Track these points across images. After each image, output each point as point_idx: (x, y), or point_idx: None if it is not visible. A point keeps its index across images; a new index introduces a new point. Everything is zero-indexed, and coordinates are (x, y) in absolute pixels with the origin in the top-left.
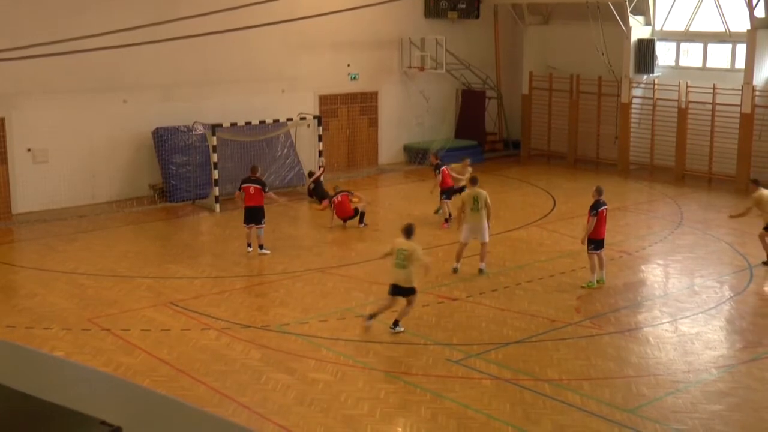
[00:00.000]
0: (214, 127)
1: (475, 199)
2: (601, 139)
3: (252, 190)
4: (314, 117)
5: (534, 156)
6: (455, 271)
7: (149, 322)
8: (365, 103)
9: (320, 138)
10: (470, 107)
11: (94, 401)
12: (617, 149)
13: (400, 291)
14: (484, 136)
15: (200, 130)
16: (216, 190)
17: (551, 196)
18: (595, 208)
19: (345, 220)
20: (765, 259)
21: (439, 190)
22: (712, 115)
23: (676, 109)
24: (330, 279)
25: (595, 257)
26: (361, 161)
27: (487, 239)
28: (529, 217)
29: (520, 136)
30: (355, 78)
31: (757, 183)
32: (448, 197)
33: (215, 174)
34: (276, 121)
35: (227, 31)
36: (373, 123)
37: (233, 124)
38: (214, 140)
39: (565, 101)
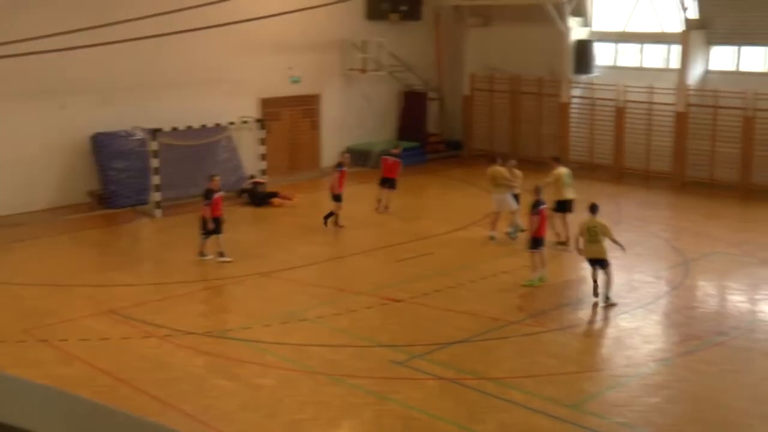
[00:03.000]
0: (155, 132)
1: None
2: (541, 139)
3: (220, 199)
4: (256, 120)
5: (476, 156)
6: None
7: (88, 331)
8: (307, 105)
9: (262, 141)
10: (412, 109)
11: (29, 415)
12: (558, 148)
13: (599, 263)
14: (426, 137)
15: (140, 134)
16: (157, 196)
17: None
18: (536, 207)
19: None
20: (560, 239)
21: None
22: (649, 115)
23: (614, 109)
24: (274, 283)
25: (536, 256)
26: (303, 164)
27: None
28: (471, 217)
29: (462, 137)
30: (296, 81)
31: (558, 160)
32: (391, 186)
33: (156, 179)
34: (218, 124)
35: (167, 34)
36: (315, 126)
37: (174, 129)
38: (154, 145)
39: (506, 102)
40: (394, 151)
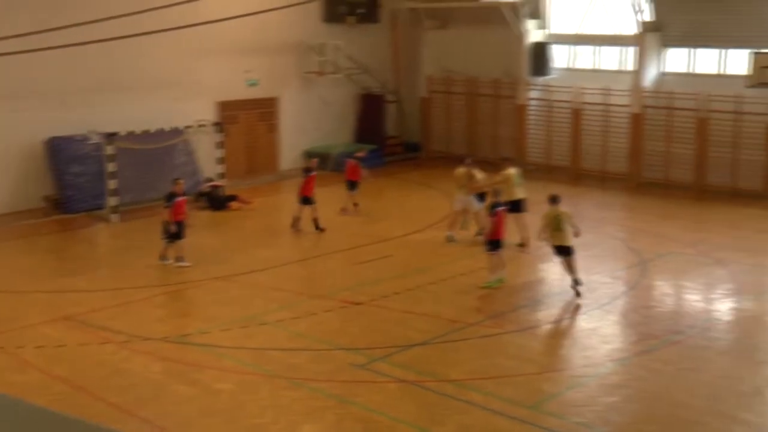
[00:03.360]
0: (111, 136)
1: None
2: (499, 141)
3: (182, 203)
4: (213, 124)
5: (434, 158)
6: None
7: (44, 338)
8: (265, 108)
9: (220, 145)
10: (370, 111)
11: None
12: (515, 150)
13: (566, 251)
14: (384, 139)
15: (96, 138)
16: (113, 200)
17: (451, 199)
18: (492, 208)
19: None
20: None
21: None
22: (605, 116)
23: (571, 110)
24: (233, 287)
25: (494, 257)
26: (261, 167)
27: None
28: (430, 219)
29: (420, 139)
30: (254, 84)
31: (509, 161)
32: (352, 188)
33: (112, 184)
34: (175, 128)
35: (123, 37)
36: (273, 129)
37: (130, 133)
38: (110, 149)
39: (464, 104)
40: (359, 154)
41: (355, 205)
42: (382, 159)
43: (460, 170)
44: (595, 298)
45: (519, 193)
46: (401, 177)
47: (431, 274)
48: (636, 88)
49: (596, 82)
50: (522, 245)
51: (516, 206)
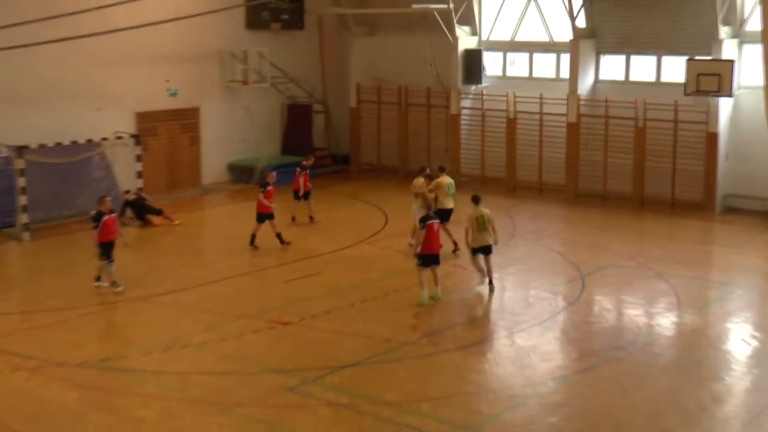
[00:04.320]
0: (21, 149)
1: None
2: (431, 152)
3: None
4: (131, 136)
5: (364, 171)
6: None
7: None
8: (186, 120)
9: (139, 158)
10: (296, 122)
11: None
12: (448, 161)
13: (487, 250)
14: (311, 151)
15: (4, 152)
16: (24, 218)
17: (383, 212)
18: (423, 221)
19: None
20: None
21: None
22: (540, 125)
23: (505, 120)
24: (154, 308)
25: (426, 273)
26: (183, 182)
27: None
28: (360, 234)
29: (350, 151)
30: (174, 94)
31: (442, 170)
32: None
33: (23, 200)
34: (90, 141)
35: (34, 44)
36: (195, 141)
37: (42, 146)
38: (20, 163)
39: (395, 113)
40: (306, 162)
41: (311, 218)
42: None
43: (419, 180)
44: (534, 314)
45: (448, 203)
46: (330, 190)
47: (363, 291)
48: (571, 97)
49: (531, 91)
50: (455, 249)
51: (443, 215)
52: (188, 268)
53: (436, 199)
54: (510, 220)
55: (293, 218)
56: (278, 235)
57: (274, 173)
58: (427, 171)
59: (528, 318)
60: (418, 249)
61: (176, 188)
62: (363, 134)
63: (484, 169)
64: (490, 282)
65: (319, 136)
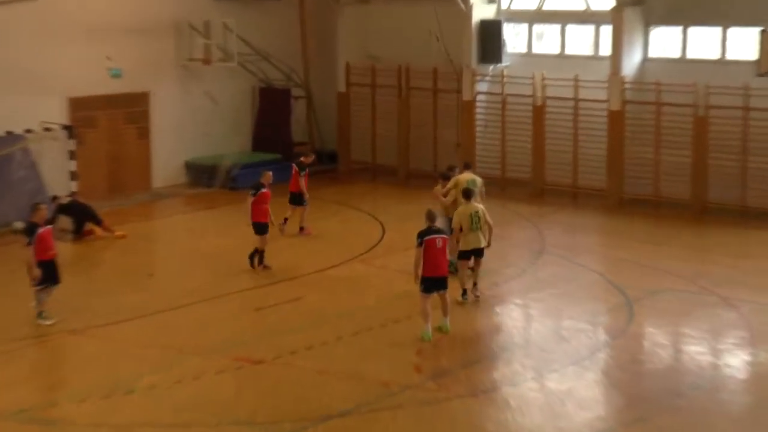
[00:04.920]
0: None
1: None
2: (439, 148)
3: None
4: (63, 127)
5: (356, 171)
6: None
7: None
8: (133, 107)
9: (72, 155)
10: (271, 110)
11: None
12: (460, 159)
13: (478, 253)
14: (290, 147)
15: None
16: None
17: (379, 223)
18: (421, 236)
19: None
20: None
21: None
22: (575, 115)
23: (531, 108)
24: (91, 343)
25: (431, 300)
26: (129, 184)
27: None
28: (351, 250)
29: (337, 146)
30: (117, 75)
31: (468, 167)
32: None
33: None
34: (9, 133)
35: None
36: (144, 134)
37: None
38: None
39: (393, 100)
40: (305, 160)
41: (301, 228)
42: (288, 173)
43: (437, 187)
44: (569, 350)
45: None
46: (313, 195)
47: (354, 321)
48: (614, 79)
49: (563, 71)
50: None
51: None
52: (134, 292)
53: (454, 202)
54: (537, 233)
55: (284, 221)
56: (260, 254)
57: (270, 173)
58: (451, 170)
59: (561, 356)
60: (420, 271)
61: (120, 193)
62: (354, 126)
63: (504, 170)
64: (474, 284)
65: (300, 128)
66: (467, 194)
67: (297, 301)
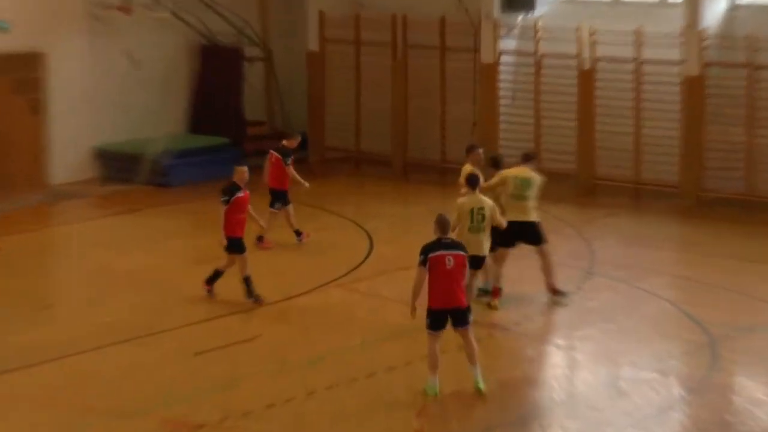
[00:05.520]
0: None
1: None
2: (449, 127)
3: None
4: None
5: (333, 161)
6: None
7: None
8: (22, 73)
9: None
10: (216, 77)
11: None
12: (476, 142)
13: (476, 263)
14: (242, 128)
15: None
16: None
17: (365, 233)
18: (425, 253)
19: None
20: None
21: None
22: (636, 82)
23: (576, 73)
24: None
25: (440, 341)
26: (16, 179)
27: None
28: (328, 270)
29: (308, 127)
30: (4, 29)
31: (529, 159)
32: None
33: None
34: None
35: None
36: (38, 109)
37: None
38: None
39: (385, 63)
40: (288, 143)
41: (299, 234)
42: (240, 162)
43: (466, 168)
44: (629, 408)
45: (521, 212)
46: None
47: (331, 369)
48: (689, 33)
49: (620, 23)
50: (556, 292)
51: (515, 234)
52: (25, 330)
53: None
54: (585, 245)
55: (298, 236)
56: (217, 276)
57: (244, 168)
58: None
59: (618, 416)
60: (417, 299)
61: (3, 191)
62: (331, 98)
63: (539, 158)
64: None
65: (255, 102)
66: (472, 181)
67: (253, 341)
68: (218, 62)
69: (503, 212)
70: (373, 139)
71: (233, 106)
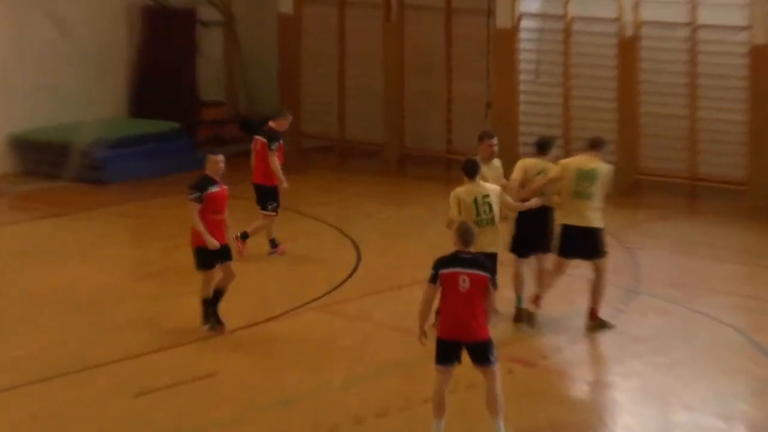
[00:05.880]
0: None
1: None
2: (456, 110)
3: None
4: None
5: (310, 151)
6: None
7: None
8: None
9: None
10: (163, 47)
11: None
12: (490, 127)
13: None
14: (196, 110)
15: None
16: None
17: (350, 241)
18: (437, 267)
19: None
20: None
21: None
22: (691, 53)
23: (615, 41)
24: None
25: (449, 377)
26: None
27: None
28: (303, 289)
29: (279, 108)
30: None
31: (596, 145)
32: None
33: None
34: None
35: None
36: None
37: None
38: None
39: (376, 28)
40: (276, 124)
41: (275, 245)
42: (191, 152)
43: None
44: None
45: (583, 214)
46: (240, 193)
47: (306, 414)
48: None
49: None
50: (596, 320)
51: (572, 238)
52: None
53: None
54: (628, 257)
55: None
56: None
57: (219, 157)
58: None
59: None
60: (431, 325)
61: None
62: (307, 74)
63: (568, 146)
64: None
65: (213, 78)
66: (470, 169)
67: (209, 378)
68: (166, 28)
69: (565, 213)
70: (361, 125)
71: (185, 83)
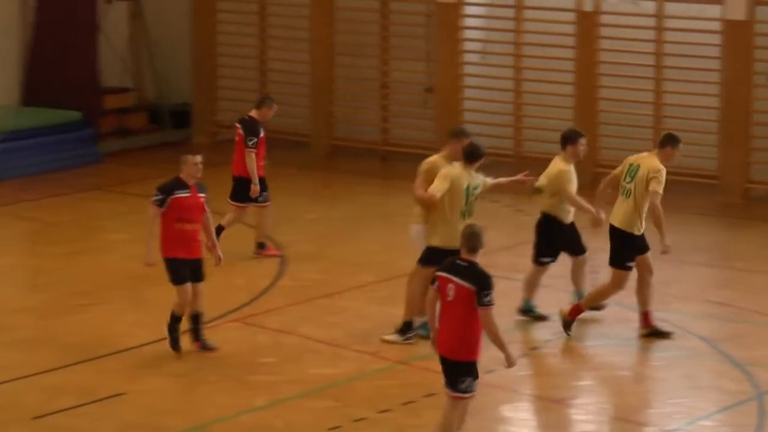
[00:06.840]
0: None
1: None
2: (392, 96)
3: None
4: None
5: (227, 143)
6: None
7: None
8: None
9: None
10: (61, 28)
11: None
12: (432, 113)
13: None
14: (97, 97)
15: None
16: None
17: (274, 245)
18: (437, 270)
19: None
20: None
21: None
22: (659, 29)
23: (574, 16)
24: None
25: (461, 407)
26: None
27: None
28: (219, 299)
29: (193, 97)
30: None
31: (671, 141)
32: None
33: None
34: None
35: None
36: None
37: None
38: None
39: (302, 3)
40: (257, 113)
41: (260, 247)
42: (93, 148)
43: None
44: None
45: (616, 212)
46: (144, 191)
47: None
48: None
49: None
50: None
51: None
52: None
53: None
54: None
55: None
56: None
57: (197, 158)
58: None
59: None
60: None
61: None
62: (224, 56)
63: (520, 139)
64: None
65: (116, 61)
66: (472, 153)
67: (115, 399)
68: (63, 5)
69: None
70: (286, 114)
71: (85, 67)
